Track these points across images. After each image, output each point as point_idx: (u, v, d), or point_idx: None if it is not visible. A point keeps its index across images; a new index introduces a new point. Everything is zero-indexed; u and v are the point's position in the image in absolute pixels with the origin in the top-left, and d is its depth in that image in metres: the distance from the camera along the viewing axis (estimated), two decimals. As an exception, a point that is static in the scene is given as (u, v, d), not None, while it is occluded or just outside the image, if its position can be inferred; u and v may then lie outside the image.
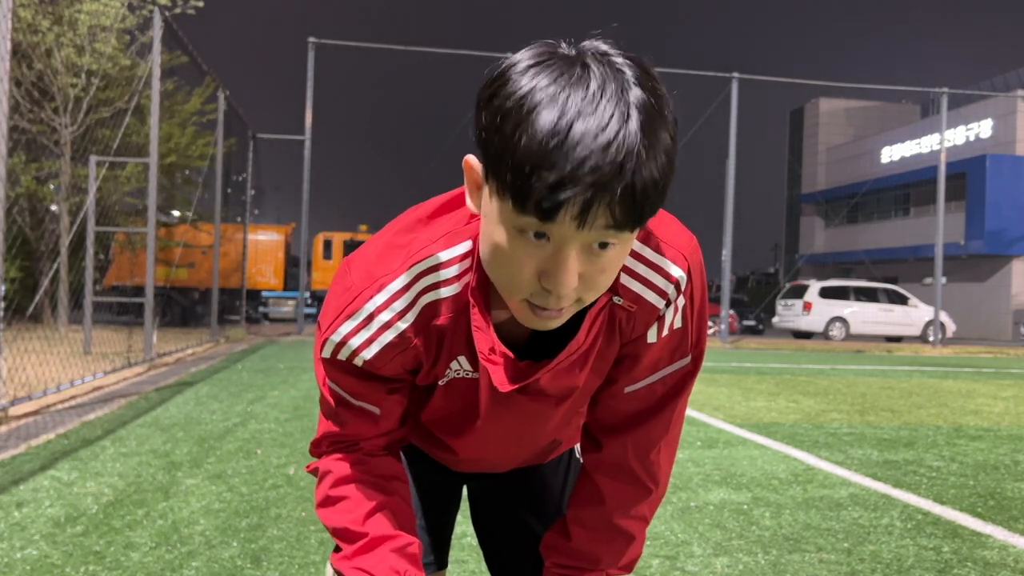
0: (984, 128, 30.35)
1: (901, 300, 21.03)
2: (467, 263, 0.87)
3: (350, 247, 20.25)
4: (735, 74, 17.18)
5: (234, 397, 6.10)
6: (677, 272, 0.89)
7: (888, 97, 43.77)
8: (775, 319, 22.07)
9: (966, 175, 28.25)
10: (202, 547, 2.61)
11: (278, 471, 3.71)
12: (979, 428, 5.77)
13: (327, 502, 0.96)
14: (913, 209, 32.80)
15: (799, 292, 21.23)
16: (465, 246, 0.87)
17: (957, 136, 30.77)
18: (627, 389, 0.95)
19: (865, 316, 20.58)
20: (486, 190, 0.76)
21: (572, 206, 0.68)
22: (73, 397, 5.87)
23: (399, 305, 0.88)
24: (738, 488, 3.67)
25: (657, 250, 0.88)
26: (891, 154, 35.02)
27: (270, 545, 2.66)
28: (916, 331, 20.61)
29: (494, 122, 0.70)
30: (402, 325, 0.88)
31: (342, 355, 0.91)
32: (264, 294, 19.53)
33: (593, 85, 0.69)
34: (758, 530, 3.01)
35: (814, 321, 20.57)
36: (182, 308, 17.45)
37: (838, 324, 20.63)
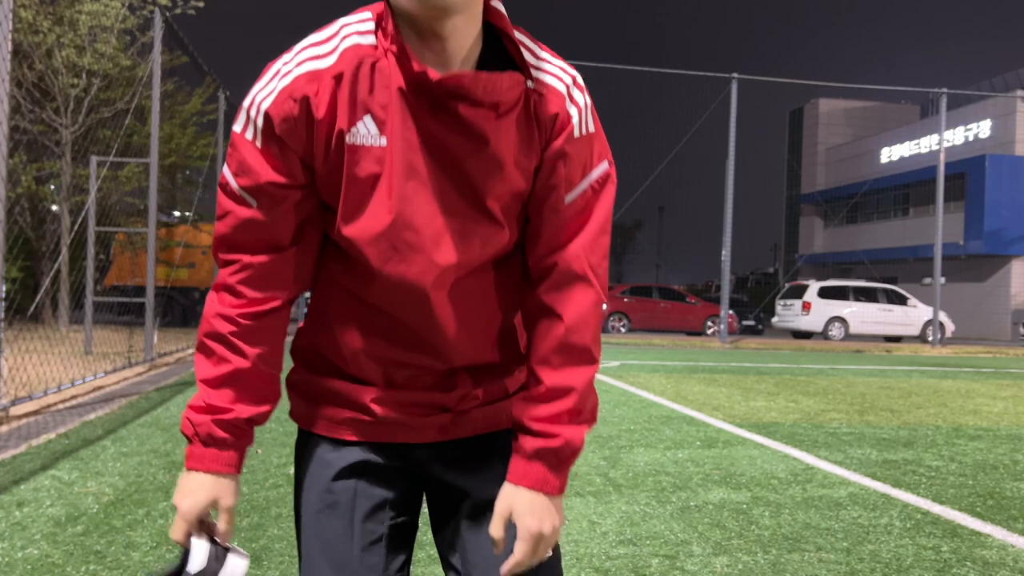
0: (983, 128, 30.37)
1: (900, 300, 21.04)
2: (373, 24, 0.96)
3: None
4: (735, 74, 17.20)
5: (234, 397, 6.11)
6: (571, 71, 1.03)
7: (887, 97, 43.81)
8: (774, 319, 22.09)
9: (965, 175, 28.27)
10: (203, 546, 2.62)
11: (279, 470, 3.72)
12: (978, 428, 5.78)
13: (200, 345, 1.02)
14: (912, 209, 32.82)
15: (798, 292, 21.25)
16: (375, 10, 0.98)
17: (956, 136, 30.79)
18: (568, 198, 1.02)
19: (864, 316, 20.60)
20: None
21: None
22: (74, 397, 5.88)
23: (313, 52, 0.95)
24: (738, 488, 3.68)
25: (551, 55, 1.03)
26: (890, 154, 35.05)
27: (271, 544, 2.67)
28: (915, 331, 20.62)
29: None
30: (300, 70, 0.94)
31: (250, 117, 0.95)
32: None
33: None
34: (757, 529, 3.02)
35: (813, 321, 20.58)
36: (183, 308, 17.45)
37: (837, 324, 20.64)
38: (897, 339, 20.78)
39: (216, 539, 1.01)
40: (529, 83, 0.98)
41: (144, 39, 11.57)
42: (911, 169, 32.53)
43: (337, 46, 0.95)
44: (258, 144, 0.95)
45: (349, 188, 0.97)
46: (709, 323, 21.27)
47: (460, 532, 1.10)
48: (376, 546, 1.06)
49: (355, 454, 1.07)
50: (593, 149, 1.03)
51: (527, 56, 0.99)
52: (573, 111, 1.00)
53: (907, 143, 34.06)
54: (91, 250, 9.11)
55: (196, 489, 0.99)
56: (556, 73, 1.00)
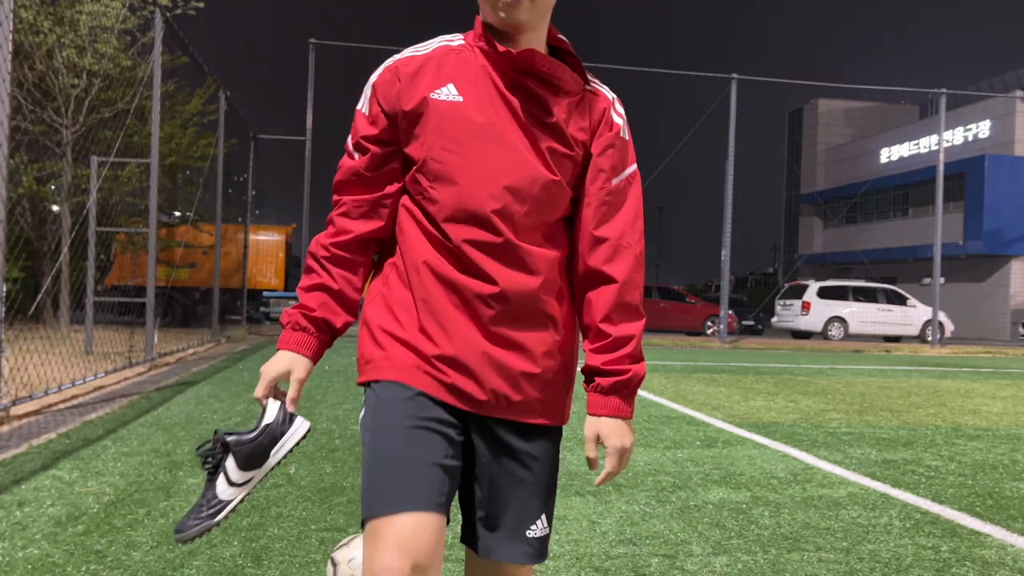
0: (983, 129, 30.37)
1: (900, 300, 21.05)
2: (467, 37, 1.31)
3: None
4: (734, 75, 17.20)
5: (235, 397, 6.12)
6: (611, 93, 1.36)
7: (887, 98, 43.81)
8: (774, 319, 22.09)
9: (965, 175, 28.27)
10: (203, 546, 2.63)
11: (279, 470, 3.72)
12: (977, 428, 5.78)
13: (306, 264, 1.35)
14: (912, 209, 32.83)
15: (798, 292, 21.25)
16: (465, 32, 1.34)
17: (956, 136, 30.80)
18: (614, 181, 1.32)
19: (864, 316, 20.60)
20: None
21: None
22: (74, 397, 5.88)
23: (413, 49, 1.31)
24: (737, 487, 3.68)
25: (599, 81, 1.36)
26: (890, 154, 35.05)
27: (271, 544, 2.67)
28: (915, 331, 20.63)
29: None
30: (402, 55, 1.30)
31: (364, 97, 1.32)
32: (265, 294, 19.52)
33: None
34: (757, 529, 3.02)
35: (813, 321, 20.59)
36: (183, 308, 17.45)
37: (837, 324, 20.65)
38: (896, 339, 20.79)
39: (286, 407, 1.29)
40: (585, 86, 1.31)
41: (144, 39, 11.57)
42: (910, 169, 32.53)
43: (432, 45, 1.31)
44: (364, 111, 1.31)
45: (434, 133, 1.25)
46: (709, 323, 21.28)
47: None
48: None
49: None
50: (628, 152, 1.36)
51: (586, 68, 1.32)
52: (617, 119, 1.33)
53: (906, 143, 34.07)
54: (92, 250, 9.11)
55: (279, 359, 1.31)
56: (604, 89, 1.35)
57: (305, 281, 1.33)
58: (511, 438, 1.29)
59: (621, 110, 1.34)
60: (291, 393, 1.30)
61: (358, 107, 1.32)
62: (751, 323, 23.71)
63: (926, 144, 32.33)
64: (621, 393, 1.30)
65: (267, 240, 19.32)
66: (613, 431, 1.29)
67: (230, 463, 1.25)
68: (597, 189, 1.30)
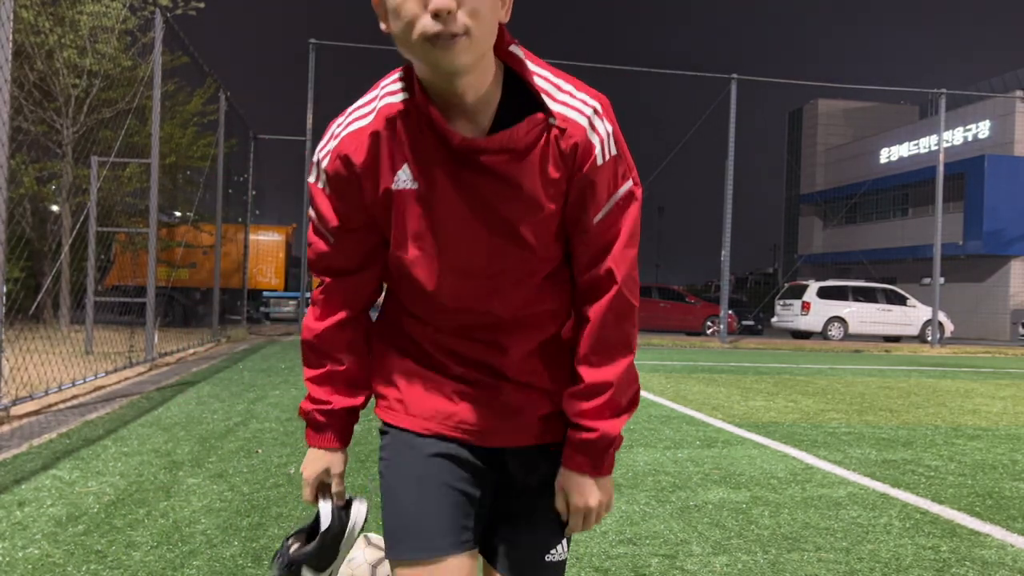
0: (982, 129, 30.37)
1: (899, 300, 21.05)
2: (405, 81, 1.10)
3: None
4: (734, 75, 17.20)
5: (235, 397, 6.12)
6: (592, 102, 1.10)
7: (887, 98, 43.83)
8: (774, 319, 22.09)
9: (964, 176, 28.27)
10: (203, 546, 2.63)
11: (279, 470, 3.72)
12: (977, 428, 5.79)
13: (304, 353, 1.25)
14: (911, 209, 32.83)
15: (798, 292, 21.25)
16: (406, 69, 1.11)
17: (956, 137, 30.79)
18: (596, 218, 1.14)
19: (863, 316, 20.60)
20: None
21: None
22: (75, 397, 5.89)
23: (357, 113, 1.13)
24: (737, 487, 3.69)
25: (576, 88, 1.11)
26: (890, 155, 35.05)
27: (271, 544, 2.68)
28: (914, 331, 20.63)
29: None
30: (344, 132, 1.12)
31: (318, 173, 1.15)
32: (265, 294, 19.52)
33: None
34: (757, 529, 3.02)
35: (813, 321, 20.59)
36: (183, 308, 17.45)
37: (837, 324, 20.65)
38: (896, 339, 20.79)
39: (336, 500, 1.27)
40: (551, 119, 1.08)
41: (145, 40, 11.57)
42: (910, 169, 32.53)
43: (376, 107, 1.11)
44: (326, 193, 1.15)
45: (396, 225, 1.14)
46: (708, 323, 21.28)
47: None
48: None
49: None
50: (617, 171, 1.13)
51: (546, 93, 1.08)
52: (595, 140, 1.09)
53: (906, 143, 34.06)
54: (92, 250, 9.11)
55: (313, 460, 1.25)
56: (577, 106, 1.09)
57: (309, 371, 1.24)
58: (525, 462, 1.23)
59: (602, 125, 1.10)
60: (335, 488, 1.26)
61: (311, 180, 1.16)
62: (751, 323, 23.70)
63: (926, 144, 32.33)
64: (588, 451, 1.17)
65: (267, 240, 19.32)
66: (576, 488, 1.18)
67: (305, 573, 1.26)
68: (579, 230, 1.15)
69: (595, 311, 1.16)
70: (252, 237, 17.81)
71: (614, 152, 1.12)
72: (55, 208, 13.09)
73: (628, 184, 1.16)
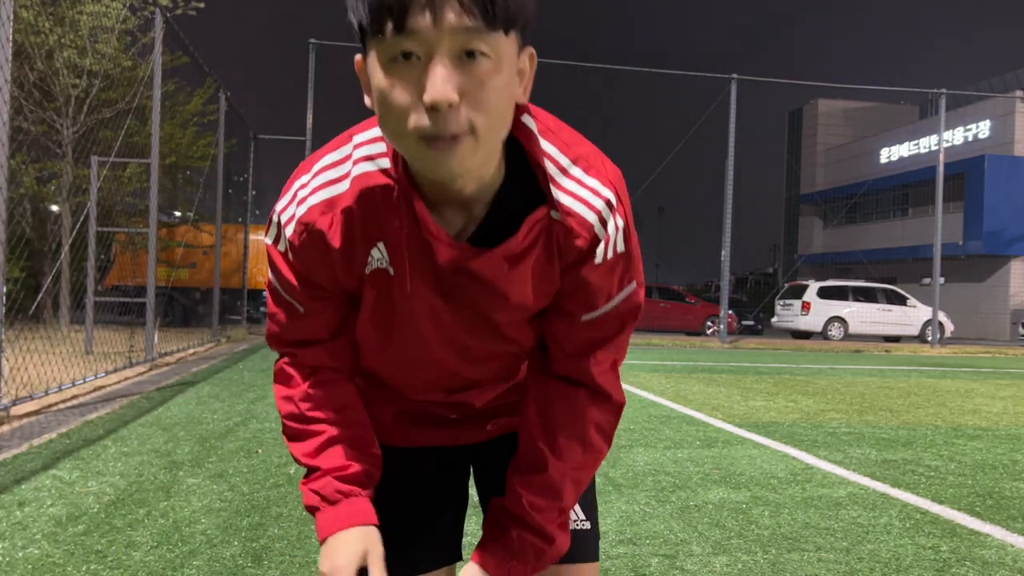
0: (983, 129, 30.37)
1: (900, 300, 21.05)
2: (385, 146, 0.91)
3: None
4: (734, 75, 17.20)
5: (235, 396, 6.12)
6: (606, 192, 0.92)
7: (887, 98, 43.83)
8: (774, 319, 22.09)
9: (965, 176, 28.27)
10: (203, 546, 2.63)
11: (279, 470, 3.72)
12: (977, 428, 5.78)
13: (286, 430, 1.04)
14: (912, 209, 32.83)
15: (798, 292, 21.25)
16: (379, 130, 0.91)
17: (956, 137, 30.79)
18: (584, 317, 0.98)
19: (864, 316, 20.60)
20: (367, 65, 0.81)
21: (418, 3, 0.73)
22: (75, 397, 5.88)
23: (327, 176, 0.92)
24: (737, 487, 3.69)
25: (587, 172, 0.92)
26: (890, 155, 35.05)
27: (271, 544, 2.68)
28: (914, 331, 20.63)
29: None
30: (313, 199, 0.92)
31: (279, 236, 0.96)
32: (265, 294, 19.54)
33: None
34: (757, 529, 3.02)
35: (813, 321, 20.59)
36: (183, 308, 17.45)
37: (837, 324, 20.65)
38: (896, 339, 20.79)
39: None
40: (553, 213, 0.91)
41: (145, 40, 11.58)
42: (910, 169, 32.53)
43: (349, 171, 0.91)
44: (289, 259, 0.96)
45: (364, 304, 0.99)
46: (709, 323, 21.28)
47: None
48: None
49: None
50: (619, 271, 0.96)
51: (553, 180, 0.90)
52: (602, 238, 0.92)
53: (906, 143, 34.07)
54: (92, 250, 9.11)
55: (341, 549, 0.94)
56: (587, 198, 0.91)
57: (301, 447, 1.01)
58: (503, 451, 1.13)
59: (613, 221, 0.92)
60: (376, 574, 0.98)
61: (269, 241, 0.99)
62: (751, 323, 23.71)
63: (926, 144, 32.33)
64: (530, 560, 0.99)
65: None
66: None
67: None
68: (564, 323, 0.99)
69: (570, 408, 1.01)
70: (252, 237, 17.81)
71: (621, 250, 0.94)
72: (55, 208, 13.10)
73: (631, 287, 0.98)
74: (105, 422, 4.87)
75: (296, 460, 1.02)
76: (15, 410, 5.02)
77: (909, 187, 32.64)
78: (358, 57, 0.84)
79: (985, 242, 27.52)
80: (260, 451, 4.15)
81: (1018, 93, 29.49)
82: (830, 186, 38.18)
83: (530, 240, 0.91)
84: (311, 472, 1.00)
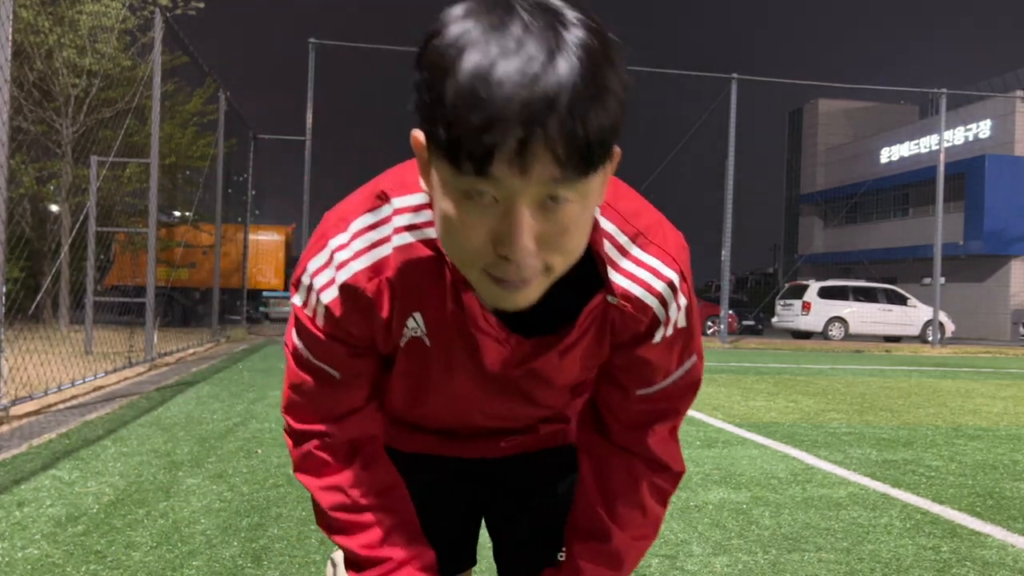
0: (983, 129, 30.37)
1: (900, 300, 21.05)
2: (428, 213, 0.83)
3: None
4: (735, 75, 17.20)
5: (235, 397, 6.11)
6: (668, 273, 0.87)
7: (887, 98, 43.78)
8: (774, 319, 22.09)
9: (965, 175, 28.26)
10: (203, 546, 2.62)
11: (279, 470, 3.72)
12: (978, 428, 5.78)
13: (333, 524, 0.95)
14: (912, 209, 32.82)
15: (798, 292, 21.25)
16: (422, 196, 0.84)
17: (956, 136, 30.79)
18: (640, 392, 0.95)
19: (864, 316, 20.60)
20: (432, 166, 0.73)
21: (506, 150, 0.64)
22: (74, 397, 5.88)
23: (368, 238, 0.85)
24: (737, 487, 3.68)
25: (646, 250, 0.87)
26: (890, 154, 35.05)
27: (271, 544, 2.67)
28: (915, 331, 20.62)
29: (423, 79, 0.67)
30: (358, 265, 0.85)
31: (311, 299, 0.88)
32: (265, 294, 19.54)
33: (522, 24, 0.65)
34: (757, 529, 3.02)
35: (813, 321, 20.58)
36: (183, 308, 17.46)
37: (837, 324, 20.64)
38: (897, 339, 20.78)
39: None
40: (610, 298, 0.86)
41: (144, 39, 11.58)
42: (911, 169, 32.53)
43: (390, 236, 0.85)
44: (319, 324, 0.89)
45: (397, 369, 0.95)
46: (709, 323, 21.27)
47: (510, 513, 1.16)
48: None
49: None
50: (679, 348, 0.92)
51: (611, 262, 0.85)
52: (661, 319, 0.88)
53: (907, 143, 34.07)
54: (92, 250, 9.11)
55: None
56: (647, 281, 0.86)
57: (366, 537, 0.94)
58: (517, 468, 1.12)
59: (675, 302, 0.88)
60: None
61: (298, 303, 0.91)
62: (751, 323, 23.70)
63: (926, 144, 32.32)
64: None
65: (267, 240, 19.33)
66: None
67: None
68: (618, 400, 0.97)
69: (628, 477, 1.00)
70: (252, 237, 17.83)
71: (682, 325, 0.90)
72: (55, 208, 13.10)
73: (690, 361, 0.95)
74: (105, 422, 4.87)
75: (352, 553, 0.94)
76: (15, 410, 5.02)
77: (909, 187, 32.63)
78: (417, 134, 0.73)
79: (986, 242, 27.51)
80: (260, 451, 4.14)
81: (1018, 93, 29.48)
82: (830, 186, 38.18)
83: (584, 328, 0.87)
84: (375, 562, 0.92)
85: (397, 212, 0.85)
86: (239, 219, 18.88)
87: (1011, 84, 33.91)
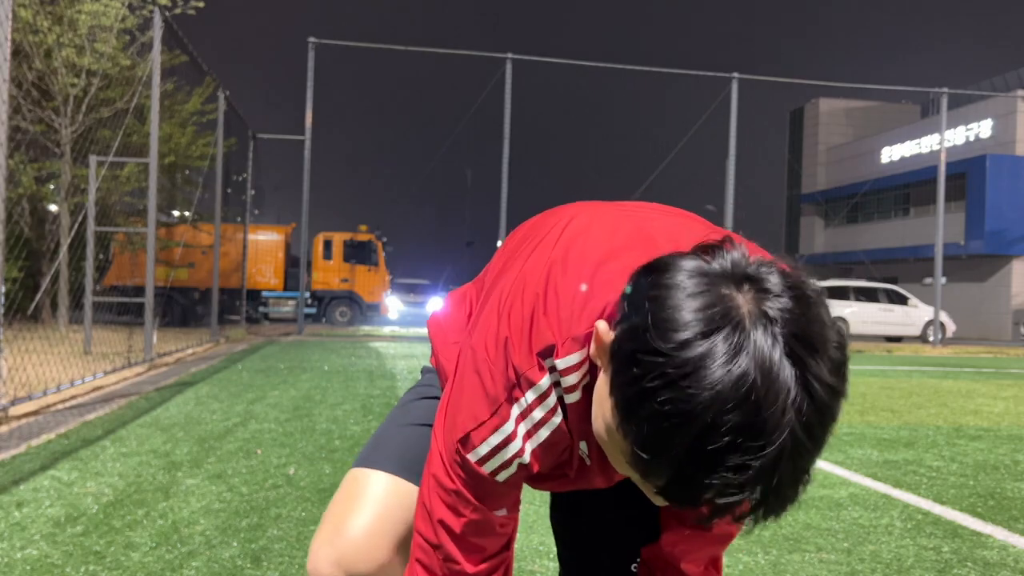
0: (984, 128, 30.36)
1: (901, 300, 21.03)
2: (584, 368, 0.84)
3: (350, 247, 20.26)
4: (735, 74, 17.19)
5: (234, 397, 6.10)
6: None
7: (888, 97, 43.79)
8: (775, 319, 22.04)
9: (966, 175, 28.26)
10: (202, 547, 2.62)
11: (278, 471, 3.71)
12: (979, 428, 5.77)
13: None
14: (913, 209, 32.81)
15: (799, 292, 21.21)
16: (580, 355, 0.84)
17: (957, 136, 30.78)
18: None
19: (865, 316, 20.58)
20: (609, 388, 0.73)
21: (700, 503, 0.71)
22: (73, 397, 5.87)
23: (543, 408, 0.86)
24: (738, 488, 3.67)
25: None
26: (891, 154, 35.04)
27: (270, 545, 2.66)
28: (916, 331, 20.62)
29: (644, 386, 0.68)
30: (556, 420, 0.87)
31: (500, 464, 0.88)
32: (264, 294, 19.54)
33: (773, 387, 0.68)
34: (758, 530, 3.01)
35: (814, 321, 20.55)
36: (182, 308, 17.46)
37: (838, 324, 20.63)
38: (898, 339, 20.78)
39: None
40: None
41: (144, 39, 11.57)
42: (912, 169, 32.52)
43: (557, 404, 0.86)
44: (496, 479, 0.90)
45: (552, 475, 0.97)
46: (709, 323, 21.26)
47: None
48: None
49: None
50: None
51: None
52: None
53: (908, 143, 34.05)
54: (91, 250, 9.10)
55: None
56: None
57: None
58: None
59: None
60: None
61: (474, 460, 0.89)
62: (751, 323, 23.68)
63: (927, 144, 32.31)
64: None
65: (266, 240, 19.32)
66: None
67: None
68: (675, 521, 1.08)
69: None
70: (251, 237, 17.83)
71: None
72: (53, 208, 13.09)
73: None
74: (104, 422, 4.86)
75: None
76: (13, 410, 5.01)
77: (910, 187, 32.63)
78: (604, 328, 0.75)
79: (987, 242, 27.51)
80: (259, 452, 4.13)
81: (1019, 92, 29.47)
82: (831, 186, 38.17)
83: None
84: None
85: (563, 374, 0.84)
86: (238, 219, 18.88)
87: (1012, 83, 33.90)
